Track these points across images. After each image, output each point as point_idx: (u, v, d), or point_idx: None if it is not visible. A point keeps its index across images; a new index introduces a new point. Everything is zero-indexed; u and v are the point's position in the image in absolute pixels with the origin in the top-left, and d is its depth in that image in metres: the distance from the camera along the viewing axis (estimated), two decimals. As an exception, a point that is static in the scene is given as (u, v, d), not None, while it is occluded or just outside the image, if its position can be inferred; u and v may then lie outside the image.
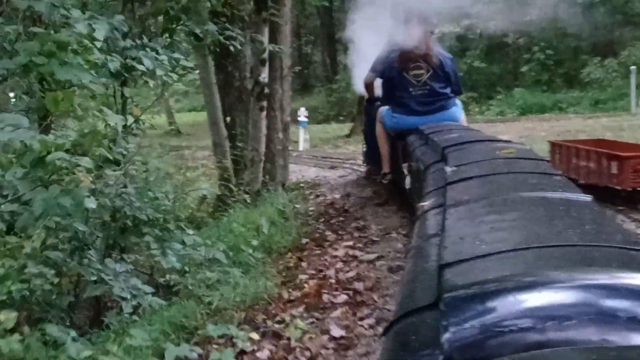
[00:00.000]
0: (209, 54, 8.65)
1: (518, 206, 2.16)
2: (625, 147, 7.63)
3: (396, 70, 7.10)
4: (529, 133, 17.49)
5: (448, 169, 3.19)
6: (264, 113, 8.54)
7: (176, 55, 5.95)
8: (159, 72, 5.27)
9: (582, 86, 27.39)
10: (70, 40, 3.67)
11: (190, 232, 5.65)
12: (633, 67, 23.50)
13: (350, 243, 6.19)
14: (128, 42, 5.67)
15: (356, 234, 6.55)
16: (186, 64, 6.11)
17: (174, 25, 6.74)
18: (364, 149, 10.69)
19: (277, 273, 5.51)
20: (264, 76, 8.42)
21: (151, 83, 5.89)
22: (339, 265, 5.53)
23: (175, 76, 5.44)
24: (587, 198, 2.25)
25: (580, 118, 21.98)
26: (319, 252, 6.17)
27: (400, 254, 5.44)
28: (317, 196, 9.30)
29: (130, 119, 5.63)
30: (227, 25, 7.38)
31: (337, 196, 8.90)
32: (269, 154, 9.88)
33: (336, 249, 6.04)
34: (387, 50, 7.32)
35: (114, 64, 4.56)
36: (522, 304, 1.28)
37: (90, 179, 2.84)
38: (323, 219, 7.56)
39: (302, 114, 17.69)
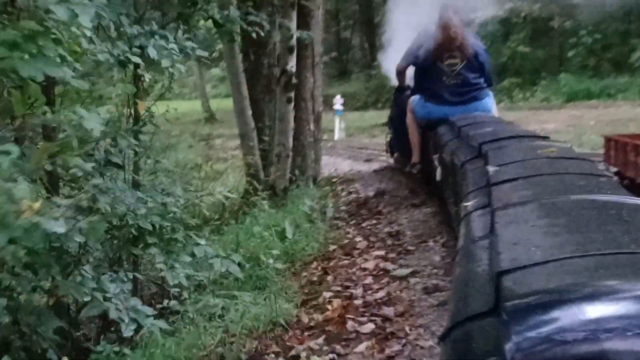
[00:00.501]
0: (235, 41, 8.06)
1: (568, 210, 2.10)
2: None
3: (430, 59, 6.96)
4: (576, 122, 16.68)
5: (490, 169, 3.09)
6: (292, 105, 7.93)
7: (189, 43, 5.37)
8: (164, 63, 4.68)
9: (631, 71, 26.30)
10: (45, 28, 3.08)
11: (203, 241, 5.05)
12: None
13: (382, 253, 5.55)
14: (135, 29, 5.11)
15: (389, 241, 5.91)
16: (201, 53, 5.51)
17: (191, 10, 6.17)
18: (389, 139, 10.56)
19: (298, 289, 4.91)
20: (292, 65, 7.79)
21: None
22: (368, 280, 4.90)
23: (183, 68, 4.83)
24: (638, 201, 2.17)
25: (629, 105, 21.07)
26: (347, 261, 5.55)
27: (438, 269, 4.79)
28: (350, 193, 8.68)
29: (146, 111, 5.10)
30: (250, 9, 6.74)
31: (371, 194, 8.26)
32: (299, 146, 9.29)
33: (366, 260, 5.42)
34: (421, 38, 7.24)
35: (105, 55, 3.96)
36: (584, 315, 1.27)
37: (37, 206, 2.25)
38: (354, 221, 6.94)
39: (338, 102, 17.00)
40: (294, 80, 7.83)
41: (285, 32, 7.51)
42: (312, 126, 9.45)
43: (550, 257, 1.61)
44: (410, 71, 7.73)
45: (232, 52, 9.67)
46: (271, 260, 5.45)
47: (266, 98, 9.28)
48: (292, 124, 7.99)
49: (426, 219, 6.46)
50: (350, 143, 14.52)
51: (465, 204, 2.78)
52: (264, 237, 6.21)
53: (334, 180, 9.86)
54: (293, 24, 7.68)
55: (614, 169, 7.38)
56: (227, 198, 6.02)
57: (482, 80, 7.04)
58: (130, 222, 4.57)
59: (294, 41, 7.63)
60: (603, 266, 1.53)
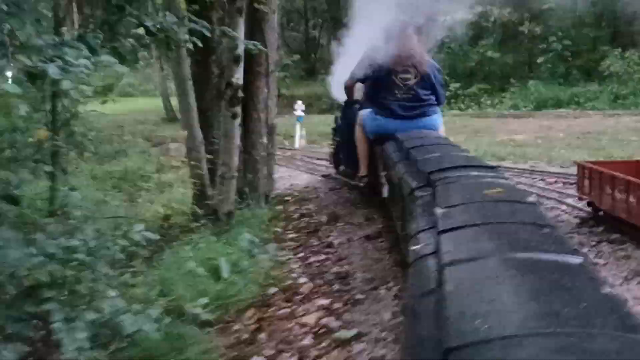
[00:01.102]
0: (172, 49, 7.31)
1: (515, 273, 2.07)
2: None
3: (384, 72, 7.08)
4: (545, 133, 16.13)
5: (438, 211, 3.02)
6: (238, 120, 7.16)
7: (106, 57, 4.61)
8: (65, 84, 3.93)
9: (601, 79, 25.90)
10: None
11: (114, 292, 4.30)
12: (658, 61, 22.13)
13: (327, 301, 4.86)
14: (46, 39, 4.37)
15: (336, 285, 5.22)
16: (120, 69, 4.77)
17: (117, 17, 5.42)
18: (333, 151, 10.55)
19: (224, 351, 4.19)
20: (238, 77, 7.03)
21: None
22: (307, 341, 4.20)
23: (89, 89, 4.08)
24: (578, 260, 2.14)
25: (599, 115, 20.62)
26: (287, 310, 4.85)
27: (387, 332, 4.11)
28: (302, 216, 7.96)
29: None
30: (189, 16, 5.99)
31: (324, 219, 7.55)
32: (250, 161, 8.57)
33: (308, 311, 4.72)
34: (374, 51, 7.14)
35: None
36: None
37: None
38: (302, 254, 6.24)
39: (299, 108, 16.22)
40: (241, 94, 7.08)
41: (230, 41, 6.73)
42: (265, 139, 8.73)
43: (498, 334, 1.59)
44: (360, 85, 7.92)
45: (179, 58, 8.89)
46: (198, 310, 4.73)
47: (215, 109, 8.53)
48: (238, 141, 7.24)
49: (380, 256, 5.77)
50: (310, 152, 13.77)
51: (414, 247, 2.75)
52: (198, 274, 5.47)
53: (287, 198, 9.13)
54: (240, 32, 6.92)
55: (586, 199, 6.76)
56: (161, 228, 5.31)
57: (433, 97, 7.17)
58: (21, 273, 3.83)
59: (240, 51, 6.86)
60: (551, 348, 1.52)
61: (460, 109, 26.85)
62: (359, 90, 8.25)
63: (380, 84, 7.14)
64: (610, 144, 13.09)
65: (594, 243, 5.79)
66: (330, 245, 6.42)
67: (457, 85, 28.09)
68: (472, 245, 2.41)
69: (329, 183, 10.10)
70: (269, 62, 8.63)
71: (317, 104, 27.69)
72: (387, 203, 5.93)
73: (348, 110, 8.86)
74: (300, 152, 14.61)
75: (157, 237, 4.72)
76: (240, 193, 8.30)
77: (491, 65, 28.75)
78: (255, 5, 8.04)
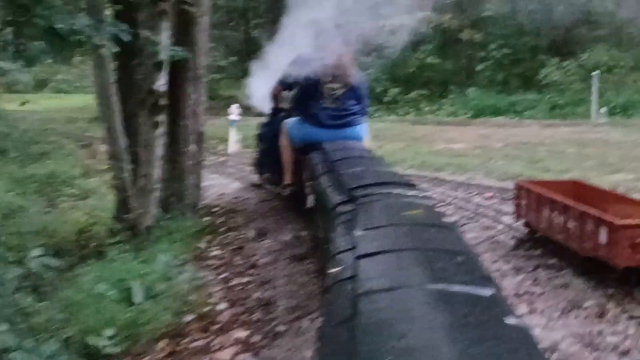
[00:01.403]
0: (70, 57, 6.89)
1: (427, 306, 2.08)
2: (610, 198, 6.09)
3: (312, 80, 7.07)
4: (484, 143, 16.00)
5: (358, 233, 3.08)
6: (161, 130, 6.74)
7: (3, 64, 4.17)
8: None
9: (539, 88, 26.06)
10: None
11: (4, 326, 3.86)
12: (596, 72, 22.26)
13: (245, 333, 4.50)
14: None
15: (257, 314, 4.86)
16: (23, 78, 4.34)
17: (24, 17, 4.97)
18: (257, 158, 10.39)
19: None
20: (161, 83, 6.60)
21: None
22: (219, 382, 3.83)
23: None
24: (490, 292, 2.18)
25: (537, 125, 20.67)
26: (201, 342, 4.47)
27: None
28: (229, 230, 7.57)
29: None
30: (100, 18, 5.57)
31: (251, 234, 7.17)
32: (176, 170, 8.15)
33: (223, 345, 4.34)
34: (302, 60, 7.20)
35: None
36: None
37: None
38: (224, 275, 5.86)
39: (234, 112, 15.74)
40: (164, 101, 6.66)
41: (150, 46, 6.28)
42: (193, 147, 8.31)
43: None
44: (285, 93, 8.08)
45: (100, 60, 8.40)
46: (104, 342, 4.31)
47: (141, 114, 8.08)
48: (160, 151, 6.82)
49: (306, 280, 5.42)
50: (244, 158, 13.31)
51: (332, 270, 2.76)
52: (109, 298, 5.06)
53: (215, 209, 8.72)
54: (164, 36, 6.51)
55: (524, 220, 6.53)
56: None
57: (359, 108, 7.23)
58: None
59: (163, 56, 6.44)
60: None
61: (399, 115, 26.73)
62: (285, 98, 8.31)
63: (308, 92, 7.15)
64: (548, 156, 12.97)
65: (530, 269, 5.52)
66: (254, 265, 6.05)
67: (397, 90, 27.95)
68: (388, 274, 2.48)
69: (260, 193, 9.72)
70: (198, 67, 8.23)
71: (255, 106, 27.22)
72: (312, 213, 5.92)
73: (273, 117, 8.83)
74: (233, 158, 14.16)
75: (58, 263, 4.29)
76: (166, 204, 7.90)
77: (431, 71, 28.64)
78: (184, 7, 7.63)
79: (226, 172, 12.49)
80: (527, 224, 6.49)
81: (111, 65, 8.35)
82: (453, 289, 2.22)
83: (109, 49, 5.47)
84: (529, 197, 6.28)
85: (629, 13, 26.70)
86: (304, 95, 7.25)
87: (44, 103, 25.52)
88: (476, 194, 9.22)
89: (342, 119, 7.10)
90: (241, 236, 7.20)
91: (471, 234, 6.88)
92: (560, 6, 26.17)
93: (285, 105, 8.29)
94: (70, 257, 6.48)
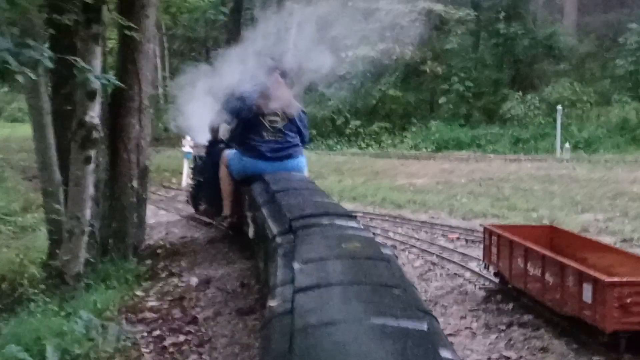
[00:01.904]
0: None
1: (363, 342, 2.09)
2: (589, 246, 5.56)
3: (253, 113, 7.12)
4: (447, 178, 15.52)
5: (297, 266, 3.05)
6: (91, 167, 6.04)
7: None
8: None
9: (502, 122, 25.77)
10: None
11: None
12: (559, 107, 22.03)
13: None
14: None
15: (191, 385, 4.17)
16: None
17: None
18: (192, 190, 10.48)
19: None
20: (93, 115, 5.92)
21: None
22: None
23: None
24: (424, 327, 2.23)
25: (501, 159, 20.31)
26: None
27: None
28: (170, 275, 6.90)
29: None
30: (23, 41, 4.90)
31: (194, 282, 6.49)
32: (117, 208, 7.52)
33: None
34: (244, 93, 7.19)
35: None
36: None
37: None
38: (157, 333, 5.16)
39: (188, 144, 15.01)
40: (96, 135, 5.97)
41: (80, 73, 5.57)
42: (135, 183, 7.65)
43: None
44: (224, 125, 8.16)
45: (36, 88, 7.73)
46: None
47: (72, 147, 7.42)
48: (91, 190, 6.12)
49: (250, 341, 4.76)
50: (197, 193, 12.66)
51: (270, 303, 2.73)
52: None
53: (159, 251, 8.03)
54: (96, 63, 5.85)
55: (494, 269, 5.96)
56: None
57: (298, 139, 7.33)
58: None
59: (96, 85, 5.76)
60: None
61: (360, 147, 26.26)
62: (223, 131, 8.40)
63: (249, 125, 7.19)
64: (513, 193, 12.51)
65: (503, 327, 4.93)
66: (194, 320, 5.36)
67: (358, 123, 27.50)
68: (326, 309, 2.45)
69: (209, 233, 9.06)
70: (142, 97, 7.59)
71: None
72: (252, 244, 6.00)
73: (212, 149, 8.80)
74: (184, 193, 13.44)
75: None
76: (104, 245, 7.23)
77: (393, 103, 28.23)
78: (126, 32, 7.00)
79: (177, 208, 11.81)
80: (497, 274, 5.92)
81: (46, 94, 7.69)
82: (390, 323, 2.23)
83: (29, 77, 4.78)
84: (499, 243, 5.72)
85: (590, 48, 26.72)
86: (245, 127, 7.25)
87: (-1, 132, 24.72)
88: (440, 235, 8.66)
89: (283, 151, 7.15)
90: (183, 283, 6.53)
91: (436, 283, 6.32)
92: (523, 41, 26.12)
93: (224, 136, 8.32)
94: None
